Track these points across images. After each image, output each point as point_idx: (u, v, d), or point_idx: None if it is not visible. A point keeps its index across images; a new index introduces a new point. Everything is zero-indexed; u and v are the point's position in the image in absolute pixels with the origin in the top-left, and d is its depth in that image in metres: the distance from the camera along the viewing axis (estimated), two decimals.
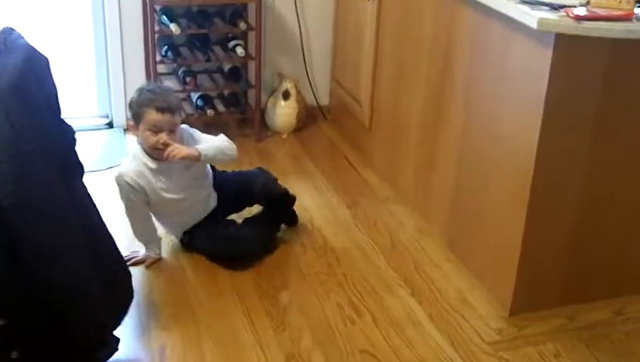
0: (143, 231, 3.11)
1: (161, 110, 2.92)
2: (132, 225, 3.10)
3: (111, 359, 2.48)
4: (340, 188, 3.81)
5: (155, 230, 3.15)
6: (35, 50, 2.22)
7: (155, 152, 2.98)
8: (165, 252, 3.17)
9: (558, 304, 2.92)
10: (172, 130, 2.95)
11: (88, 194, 2.39)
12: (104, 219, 2.44)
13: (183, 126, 3.10)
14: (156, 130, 2.93)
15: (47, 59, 2.26)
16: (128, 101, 3.07)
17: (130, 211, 3.07)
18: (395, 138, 3.72)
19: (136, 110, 2.98)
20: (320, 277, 3.08)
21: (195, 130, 3.16)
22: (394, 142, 3.74)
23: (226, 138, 3.15)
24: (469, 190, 3.09)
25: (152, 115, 2.93)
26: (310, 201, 3.63)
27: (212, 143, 3.09)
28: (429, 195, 3.44)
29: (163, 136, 2.93)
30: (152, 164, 3.00)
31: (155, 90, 3.02)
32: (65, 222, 2.11)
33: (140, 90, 3.02)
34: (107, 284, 2.31)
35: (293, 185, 3.75)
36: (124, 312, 2.50)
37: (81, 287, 2.16)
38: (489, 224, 2.96)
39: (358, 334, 2.76)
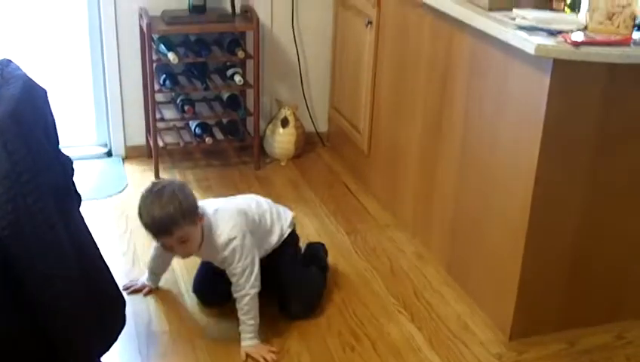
0: (151, 262, 3.05)
1: (156, 233, 2.66)
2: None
3: None
4: (339, 214, 3.81)
5: (163, 267, 3.07)
6: (33, 81, 2.23)
7: None
8: (164, 281, 3.16)
9: (558, 329, 2.91)
10: (183, 242, 2.66)
11: (85, 224, 2.39)
12: (100, 249, 2.43)
13: (202, 211, 2.74)
14: (166, 247, 2.74)
15: (45, 91, 2.27)
16: None
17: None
18: (394, 164, 3.73)
19: None
20: (319, 303, 3.07)
21: (208, 212, 2.77)
22: (393, 168, 3.74)
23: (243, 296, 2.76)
24: (469, 216, 3.09)
25: (153, 237, 2.73)
26: (309, 228, 3.63)
27: (242, 320, 2.76)
28: (428, 221, 3.44)
29: (177, 254, 2.78)
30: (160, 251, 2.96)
31: (144, 209, 2.63)
32: (61, 251, 2.10)
33: (138, 206, 2.67)
34: (100, 312, 2.31)
35: (292, 212, 3.75)
36: (114, 339, 2.49)
37: (73, 317, 2.16)
38: (488, 249, 2.95)
39: (358, 360, 2.75)
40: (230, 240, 2.70)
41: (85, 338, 2.28)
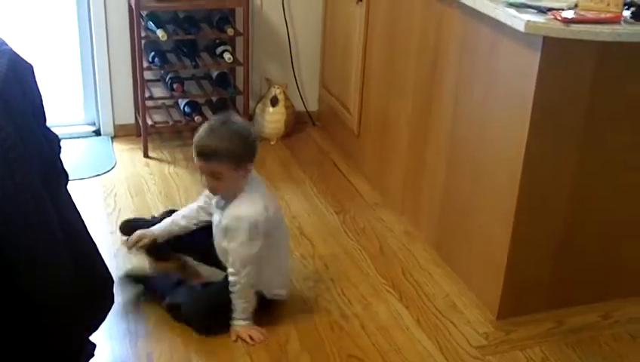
0: (182, 213, 3.05)
1: (197, 153, 2.67)
2: None
3: None
4: (329, 194, 3.80)
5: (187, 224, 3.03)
6: (20, 56, 2.21)
7: None
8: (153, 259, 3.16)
9: (545, 308, 2.92)
10: (215, 177, 2.66)
11: (72, 202, 2.37)
12: (88, 228, 2.43)
13: (251, 169, 2.76)
14: (201, 170, 2.72)
15: (32, 66, 2.25)
16: None
17: None
18: (383, 144, 3.72)
19: None
20: (308, 282, 3.07)
21: (254, 180, 2.80)
22: (383, 148, 3.74)
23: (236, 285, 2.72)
24: (458, 195, 3.09)
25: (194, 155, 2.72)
26: (299, 208, 3.62)
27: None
28: (417, 201, 3.43)
29: (203, 179, 2.71)
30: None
31: (200, 131, 2.69)
32: (48, 229, 2.09)
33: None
34: (88, 291, 2.30)
35: (282, 191, 3.75)
36: (103, 318, 2.49)
37: (60, 295, 2.15)
38: (477, 229, 2.95)
39: (346, 339, 2.75)
40: (241, 218, 2.66)
41: (73, 319, 2.27)
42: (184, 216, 3.02)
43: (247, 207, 2.68)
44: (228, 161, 2.63)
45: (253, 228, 2.67)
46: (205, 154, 2.64)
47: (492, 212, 2.84)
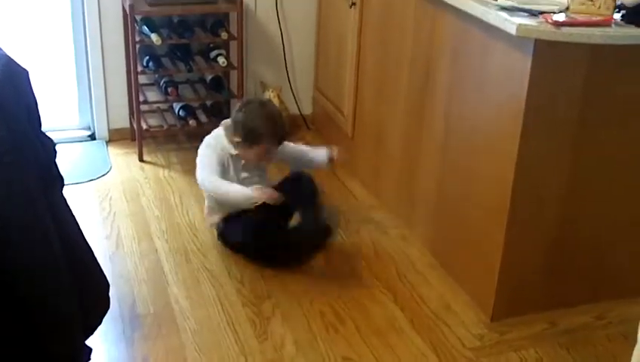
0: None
1: None
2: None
3: None
4: (324, 197, 3.80)
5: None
6: (14, 61, 2.21)
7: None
8: (148, 262, 3.17)
9: (539, 309, 2.93)
10: None
11: (68, 207, 2.38)
12: (84, 232, 2.43)
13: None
14: None
15: (27, 71, 2.25)
16: None
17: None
18: (378, 147, 3.73)
19: None
20: (303, 285, 3.08)
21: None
22: (377, 150, 3.75)
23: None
24: (452, 197, 3.10)
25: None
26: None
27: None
28: (411, 203, 3.45)
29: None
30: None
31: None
32: (45, 237, 2.09)
33: None
34: (84, 296, 2.30)
35: None
36: (98, 322, 2.50)
37: (58, 302, 2.15)
38: (471, 230, 2.97)
39: (341, 341, 2.76)
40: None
41: (71, 324, 2.27)
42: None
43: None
44: None
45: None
46: None
47: (485, 214, 2.85)
